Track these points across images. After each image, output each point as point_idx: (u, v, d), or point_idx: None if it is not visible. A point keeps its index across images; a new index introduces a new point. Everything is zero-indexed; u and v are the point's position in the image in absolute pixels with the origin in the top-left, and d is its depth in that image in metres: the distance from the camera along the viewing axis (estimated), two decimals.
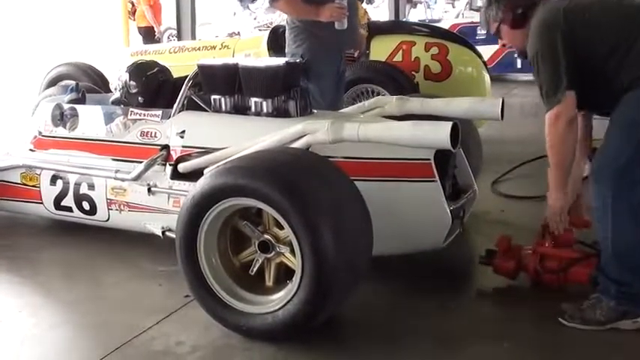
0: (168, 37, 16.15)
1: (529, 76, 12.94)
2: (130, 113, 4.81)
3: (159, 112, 4.72)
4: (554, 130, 3.87)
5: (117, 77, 5.17)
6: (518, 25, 4.00)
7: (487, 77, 7.92)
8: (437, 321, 3.89)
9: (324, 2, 5.49)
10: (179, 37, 10.60)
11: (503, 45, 4.44)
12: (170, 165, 4.56)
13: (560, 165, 3.95)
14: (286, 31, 5.82)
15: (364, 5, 9.15)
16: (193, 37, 10.33)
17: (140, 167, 4.56)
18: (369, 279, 3.73)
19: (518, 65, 13.41)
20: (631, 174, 3.63)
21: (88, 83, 7.12)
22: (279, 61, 4.71)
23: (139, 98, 4.92)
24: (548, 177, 4.03)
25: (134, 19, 15.77)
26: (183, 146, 4.56)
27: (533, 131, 8.66)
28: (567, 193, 4.12)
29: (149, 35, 15.18)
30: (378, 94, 7.10)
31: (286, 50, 5.82)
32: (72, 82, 6.78)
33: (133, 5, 15.96)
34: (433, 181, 4.05)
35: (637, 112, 3.68)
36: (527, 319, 3.92)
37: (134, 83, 4.95)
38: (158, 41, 14.58)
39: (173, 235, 3.85)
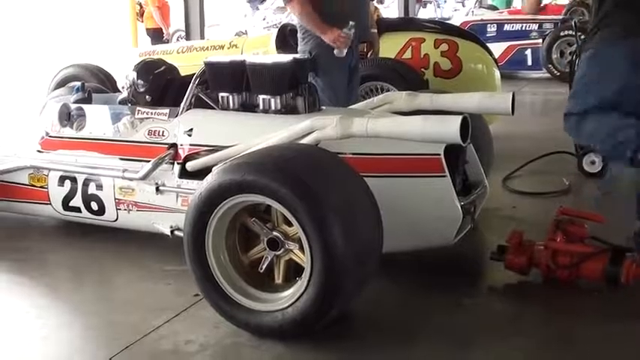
0: (177, 39, 16.17)
1: (540, 74, 13.10)
2: (137, 112, 4.79)
3: (166, 111, 4.70)
4: None
5: (124, 76, 5.14)
6: None
7: (497, 74, 7.88)
8: (449, 318, 3.85)
9: (334, 24, 5.53)
10: (188, 38, 10.62)
11: None
12: (178, 164, 4.53)
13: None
14: (298, 32, 5.81)
15: (375, 3, 9.13)
16: (202, 38, 10.33)
17: (148, 166, 4.53)
18: (379, 276, 3.68)
19: (529, 63, 13.40)
20: None
21: (95, 84, 7.12)
22: (287, 58, 4.68)
23: (147, 97, 4.90)
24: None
25: (142, 21, 15.78)
26: (191, 144, 4.52)
27: (544, 128, 8.68)
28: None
29: (157, 37, 15.21)
30: (388, 91, 7.06)
31: (298, 49, 5.82)
32: (79, 83, 6.80)
33: (141, 7, 15.94)
34: (443, 176, 4.00)
35: None
36: (540, 316, 3.88)
37: (142, 82, 4.93)
38: (166, 43, 14.58)
39: (182, 234, 3.82)
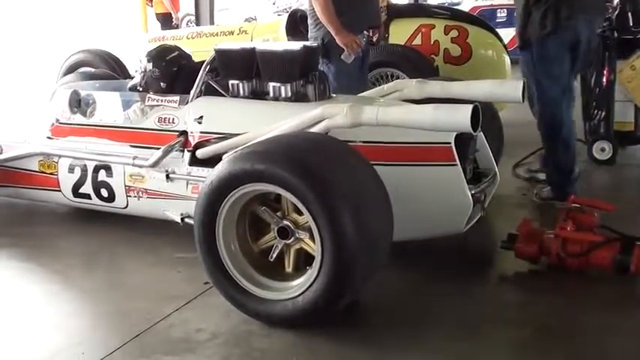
0: (187, 23, 16.12)
1: None
2: (147, 99, 4.79)
3: (176, 98, 4.69)
4: None
5: (138, 61, 5.14)
6: None
7: (507, 60, 7.84)
8: (460, 306, 3.85)
9: (350, 28, 5.61)
10: (197, 22, 10.60)
11: None
12: (188, 151, 4.53)
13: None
14: (308, 18, 5.81)
15: None
16: (212, 22, 10.31)
17: (158, 153, 4.54)
18: (389, 265, 3.68)
19: None
20: None
21: (105, 70, 7.12)
22: (297, 45, 4.66)
23: (161, 83, 4.89)
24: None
25: (152, 6, 15.71)
26: (201, 132, 4.53)
27: None
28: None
29: (167, 21, 15.12)
30: (398, 78, 7.05)
31: (309, 35, 5.81)
32: (90, 69, 6.81)
33: None
34: (454, 164, 4.00)
35: None
36: (550, 305, 3.87)
37: (154, 68, 4.92)
38: (176, 27, 14.55)
39: (192, 222, 3.82)
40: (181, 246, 4.51)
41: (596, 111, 6.53)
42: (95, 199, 4.93)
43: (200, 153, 4.47)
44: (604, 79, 6.43)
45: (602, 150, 6.44)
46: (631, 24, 6.53)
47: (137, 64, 5.17)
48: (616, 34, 6.51)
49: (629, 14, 6.52)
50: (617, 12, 6.65)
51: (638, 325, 3.63)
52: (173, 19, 15.26)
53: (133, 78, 5.35)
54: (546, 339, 3.52)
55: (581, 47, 5.12)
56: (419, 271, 4.26)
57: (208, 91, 4.67)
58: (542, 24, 5.00)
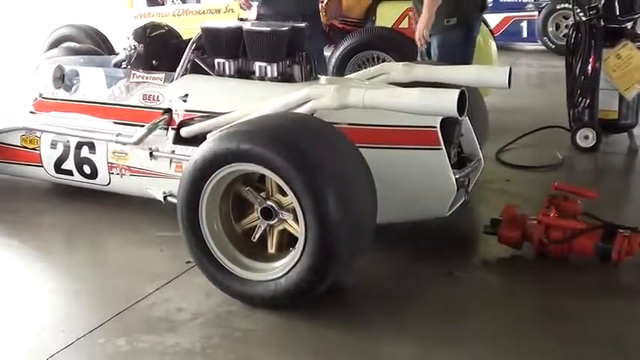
0: (173, 1, 15.99)
1: (535, 46, 13.06)
2: (132, 76, 4.75)
3: (162, 75, 4.66)
4: None
5: (125, 37, 5.09)
6: None
7: (494, 46, 7.85)
8: (441, 289, 3.88)
9: None
10: (184, 0, 10.52)
11: None
12: (172, 129, 4.50)
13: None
14: None
15: None
16: (198, 1, 10.24)
17: (142, 131, 4.50)
18: (373, 247, 3.68)
19: (524, 35, 13.35)
20: None
21: (90, 45, 7.06)
22: (284, 25, 4.63)
23: (146, 61, 4.85)
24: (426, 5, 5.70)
25: None
26: (185, 110, 4.50)
27: (539, 101, 8.67)
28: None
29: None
30: (384, 61, 7.04)
31: None
32: (74, 44, 6.75)
33: None
34: (438, 149, 4.00)
35: None
36: (531, 289, 3.91)
37: (139, 45, 4.88)
38: (162, 4, 14.42)
39: (175, 201, 3.80)
40: (164, 224, 4.50)
41: (580, 99, 6.53)
42: (77, 176, 4.89)
43: (184, 131, 4.44)
44: (589, 67, 6.43)
45: (586, 137, 6.45)
46: (617, 13, 6.53)
47: (125, 41, 5.13)
48: (602, 23, 6.52)
49: (616, 3, 6.53)
50: (603, 1, 6.66)
51: (619, 311, 3.66)
52: None
53: (117, 54, 5.30)
54: (527, 322, 3.55)
55: None
56: (402, 254, 4.26)
57: (194, 69, 4.63)
58: None
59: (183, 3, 10.38)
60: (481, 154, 4.51)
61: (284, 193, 3.50)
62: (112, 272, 4.09)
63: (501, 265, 4.20)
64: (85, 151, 4.81)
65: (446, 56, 5.76)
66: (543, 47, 12.97)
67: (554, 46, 12.59)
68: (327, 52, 7.75)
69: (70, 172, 4.91)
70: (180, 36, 5.11)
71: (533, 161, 6.04)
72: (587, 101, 6.50)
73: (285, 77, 4.51)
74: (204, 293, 3.73)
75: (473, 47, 6.18)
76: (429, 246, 4.39)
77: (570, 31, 6.73)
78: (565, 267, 4.07)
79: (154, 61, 4.84)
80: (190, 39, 4.68)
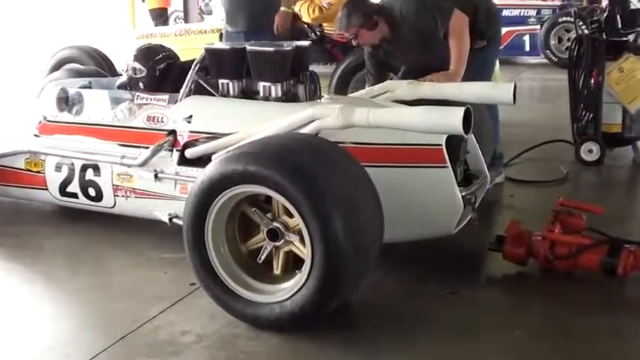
0: (175, 20, 16.03)
1: (538, 59, 13.09)
2: (136, 98, 4.75)
3: (166, 97, 4.66)
4: (465, 27, 5.27)
5: (125, 59, 5.10)
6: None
7: (496, 60, 7.81)
8: (448, 308, 3.85)
9: None
10: (186, 19, 10.57)
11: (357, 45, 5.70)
12: (177, 151, 4.49)
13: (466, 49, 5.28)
14: None
15: None
16: (201, 20, 10.29)
17: (147, 153, 4.50)
18: (378, 266, 3.67)
19: (527, 48, 13.38)
20: None
21: (93, 67, 7.08)
22: (288, 44, 4.64)
23: (146, 82, 4.85)
24: (457, 58, 5.24)
25: (143, 0, 15.42)
26: (190, 131, 4.49)
27: (542, 114, 8.68)
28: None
29: (159, 17, 14.85)
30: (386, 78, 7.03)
31: None
32: (77, 66, 6.76)
33: None
34: (444, 166, 3.99)
35: None
36: (538, 307, 3.88)
37: (141, 67, 4.88)
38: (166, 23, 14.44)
39: (180, 222, 3.79)
40: (167, 246, 4.50)
41: (584, 112, 6.55)
42: (82, 199, 4.88)
43: (189, 153, 4.44)
44: (592, 81, 6.45)
45: (590, 151, 6.46)
46: (619, 26, 6.55)
47: (124, 62, 5.14)
48: (605, 36, 6.53)
49: (618, 16, 6.55)
50: (605, 14, 6.68)
51: (626, 328, 3.64)
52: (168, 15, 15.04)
53: (120, 75, 5.31)
54: (535, 341, 3.52)
55: None
56: (409, 273, 4.24)
57: (198, 90, 4.63)
58: None
59: (185, 23, 10.41)
60: (487, 171, 4.49)
61: (290, 215, 3.49)
62: (116, 295, 4.07)
63: (507, 283, 4.19)
64: (89, 174, 4.80)
65: (472, 78, 5.31)
66: (546, 60, 13.01)
67: (556, 60, 12.62)
68: (330, 69, 7.76)
69: (75, 195, 4.91)
70: (178, 57, 5.10)
71: (537, 176, 6.04)
72: (591, 115, 6.51)
73: (290, 97, 4.50)
74: (208, 315, 3.71)
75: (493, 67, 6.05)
76: (433, 264, 4.37)
77: (573, 45, 6.75)
78: (571, 283, 4.06)
79: (156, 83, 4.83)
80: (194, 60, 4.68)
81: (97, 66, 7.35)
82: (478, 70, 5.40)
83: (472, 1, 5.55)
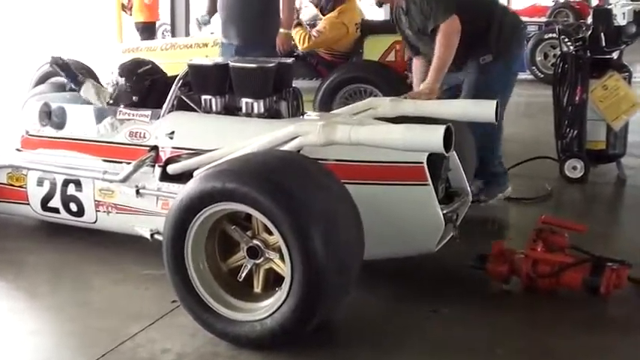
0: (163, 34, 16.00)
1: (524, 75, 13.09)
2: (118, 113, 4.73)
3: (148, 113, 4.65)
4: (450, 37, 5.12)
5: (110, 73, 5.09)
6: None
7: None
8: (430, 326, 3.84)
9: None
10: (173, 34, 10.56)
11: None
12: (159, 166, 4.48)
13: (446, 62, 5.15)
14: None
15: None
16: (187, 34, 10.28)
17: (129, 168, 4.48)
18: (359, 284, 3.65)
19: None
20: None
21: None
22: (271, 61, 4.64)
23: (132, 97, 4.84)
24: (433, 70, 5.15)
25: (131, 14, 15.35)
26: (172, 147, 4.48)
27: (527, 130, 8.70)
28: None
29: (146, 31, 14.76)
30: (371, 94, 7.07)
31: None
32: (62, 80, 6.72)
33: (130, 0, 15.43)
34: (425, 184, 3.98)
35: None
36: (520, 325, 3.88)
37: (124, 82, 4.87)
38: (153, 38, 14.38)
39: (162, 238, 3.77)
40: (149, 262, 4.45)
41: (568, 129, 6.56)
42: (64, 213, 4.86)
43: (171, 169, 4.42)
44: (576, 98, 6.47)
45: (574, 168, 6.48)
46: (604, 44, 6.57)
47: (109, 76, 5.12)
48: (589, 54, 6.56)
49: (602, 34, 6.57)
50: (590, 32, 6.70)
51: (608, 347, 3.64)
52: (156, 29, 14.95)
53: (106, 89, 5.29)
54: None
55: None
56: (390, 291, 4.24)
57: (180, 106, 4.63)
58: None
59: (172, 37, 10.40)
60: (469, 189, 4.49)
61: (270, 232, 3.47)
62: (96, 312, 4.04)
63: (489, 301, 4.17)
64: (71, 189, 4.78)
65: (481, 96, 5.07)
66: (532, 77, 13.04)
67: (542, 76, 12.68)
68: (315, 85, 7.76)
69: (56, 210, 4.88)
70: (164, 72, 5.09)
71: (521, 192, 6.03)
72: (575, 132, 6.53)
73: (272, 113, 4.51)
74: (189, 333, 3.69)
75: (511, 86, 5.73)
76: (416, 282, 4.37)
77: (557, 62, 6.77)
78: (553, 301, 4.05)
79: (139, 98, 4.82)
80: (177, 75, 4.68)
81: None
82: (480, 93, 5.25)
83: (489, 7, 5.54)
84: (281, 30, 6.80)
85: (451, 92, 5.59)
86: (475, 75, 5.45)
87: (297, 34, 7.76)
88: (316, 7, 8.27)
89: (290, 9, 6.91)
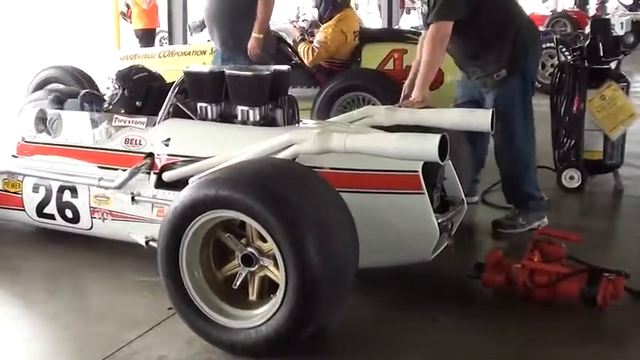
0: (160, 41, 15.99)
1: None
2: (114, 120, 4.73)
3: (144, 120, 4.65)
4: (435, 41, 5.03)
5: (107, 79, 5.09)
6: None
7: None
8: (425, 335, 3.84)
9: None
10: (170, 41, 10.55)
11: None
12: (154, 173, 4.48)
13: (433, 67, 5.09)
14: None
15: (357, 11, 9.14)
16: (185, 41, 10.27)
17: (124, 175, 4.48)
18: (355, 292, 3.65)
19: None
20: None
21: (75, 88, 7.05)
22: (267, 69, 4.64)
23: (127, 104, 4.84)
24: (420, 76, 5.07)
25: (130, 21, 15.33)
26: (168, 154, 4.48)
27: None
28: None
29: (145, 38, 14.74)
30: (369, 103, 7.07)
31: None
32: (60, 86, 6.73)
33: (129, 7, 15.43)
34: (421, 193, 3.98)
35: None
36: (516, 335, 3.87)
37: (121, 89, 4.87)
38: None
39: (157, 245, 3.76)
40: (146, 269, 4.44)
41: (565, 139, 6.56)
42: (59, 220, 4.86)
43: (166, 176, 4.42)
44: (574, 108, 6.46)
45: (572, 178, 6.47)
46: (602, 54, 6.57)
47: (106, 83, 5.12)
48: (587, 64, 6.56)
49: (600, 44, 6.57)
50: (588, 42, 6.71)
51: (605, 357, 3.64)
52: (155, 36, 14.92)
53: (103, 96, 5.29)
54: None
55: None
56: (385, 299, 4.23)
57: (176, 113, 4.63)
58: None
59: (170, 44, 10.40)
60: (464, 198, 4.49)
61: (264, 240, 3.47)
62: (93, 319, 4.04)
63: (485, 310, 4.17)
64: (67, 195, 4.77)
65: (503, 112, 5.03)
66: None
67: (540, 85, 12.61)
68: (313, 92, 7.77)
69: (52, 217, 4.88)
70: (163, 79, 5.09)
71: None
72: (573, 142, 6.52)
73: (268, 121, 4.51)
74: (185, 340, 3.69)
75: (530, 98, 5.39)
76: (412, 291, 4.35)
77: (555, 72, 6.77)
78: (550, 311, 4.04)
79: (136, 104, 4.82)
80: (173, 82, 4.67)
81: (79, 87, 7.30)
82: (502, 108, 5.07)
83: (506, 15, 5.29)
84: (253, 34, 6.68)
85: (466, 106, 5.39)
86: (494, 92, 5.26)
87: (301, 49, 7.78)
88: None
89: (266, 14, 6.75)
